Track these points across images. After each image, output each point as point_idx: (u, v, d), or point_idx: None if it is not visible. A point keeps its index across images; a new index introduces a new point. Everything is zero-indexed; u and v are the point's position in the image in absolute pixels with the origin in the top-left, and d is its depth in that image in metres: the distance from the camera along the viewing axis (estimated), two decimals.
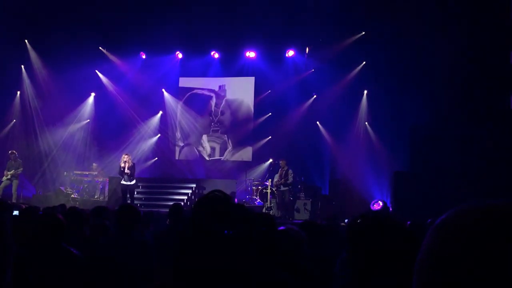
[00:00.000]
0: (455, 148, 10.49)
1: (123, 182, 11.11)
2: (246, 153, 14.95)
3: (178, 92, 15.52)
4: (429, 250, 0.58)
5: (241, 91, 15.21)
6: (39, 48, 14.26)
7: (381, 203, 11.56)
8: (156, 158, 15.22)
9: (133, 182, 11.24)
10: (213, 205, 1.11)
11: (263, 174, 13.78)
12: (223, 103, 15.27)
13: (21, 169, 12.32)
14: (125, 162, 11.04)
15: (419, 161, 11.45)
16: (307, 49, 13.94)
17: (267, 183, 12.17)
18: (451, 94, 10.65)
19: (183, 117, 15.47)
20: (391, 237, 1.41)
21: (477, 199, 0.59)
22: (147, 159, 14.91)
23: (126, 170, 10.96)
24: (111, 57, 14.95)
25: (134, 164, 11.46)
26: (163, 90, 15.37)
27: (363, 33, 12.90)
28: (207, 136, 15.33)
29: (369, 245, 1.42)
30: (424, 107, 11.49)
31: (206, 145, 15.31)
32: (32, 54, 14.36)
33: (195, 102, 15.40)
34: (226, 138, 15.18)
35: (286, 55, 14.36)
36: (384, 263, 1.37)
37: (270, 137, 14.38)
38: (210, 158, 15.19)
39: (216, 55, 14.86)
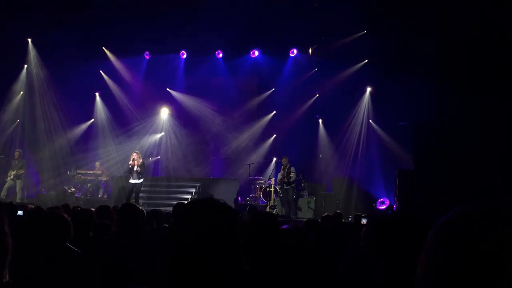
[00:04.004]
0: (460, 146, 10.44)
1: (131, 180, 10.91)
2: None
3: (182, 91, 15.52)
4: (427, 252, 0.58)
5: (245, 90, 15.18)
6: (42, 47, 14.29)
7: (387, 202, 11.55)
8: (159, 157, 15.24)
9: (141, 180, 11.04)
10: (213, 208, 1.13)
11: (267, 172, 13.77)
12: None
13: (24, 170, 12.32)
14: (134, 160, 10.85)
15: (423, 159, 11.40)
16: (310, 49, 13.93)
17: (271, 181, 12.16)
18: (455, 92, 10.60)
19: (187, 115, 15.46)
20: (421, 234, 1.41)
21: (477, 199, 0.59)
22: (150, 157, 14.92)
23: (136, 168, 10.76)
24: (115, 57, 14.98)
25: (143, 162, 11.27)
26: (168, 89, 15.38)
27: (365, 31, 12.88)
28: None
29: (399, 241, 1.42)
30: (428, 105, 11.45)
31: (210, 144, 15.31)
32: (35, 54, 14.40)
33: (199, 100, 15.40)
34: None
35: (290, 54, 14.38)
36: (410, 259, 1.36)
37: (275, 135, 14.39)
38: (214, 157, 15.19)
39: (220, 55, 14.87)
